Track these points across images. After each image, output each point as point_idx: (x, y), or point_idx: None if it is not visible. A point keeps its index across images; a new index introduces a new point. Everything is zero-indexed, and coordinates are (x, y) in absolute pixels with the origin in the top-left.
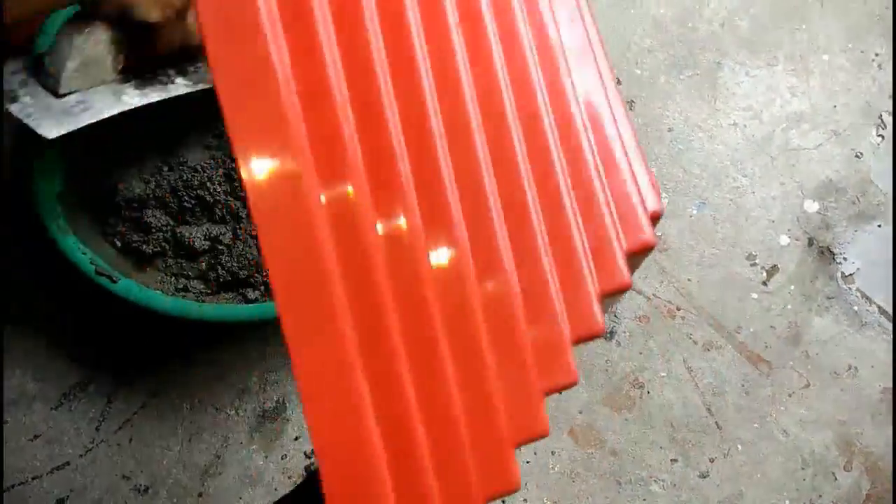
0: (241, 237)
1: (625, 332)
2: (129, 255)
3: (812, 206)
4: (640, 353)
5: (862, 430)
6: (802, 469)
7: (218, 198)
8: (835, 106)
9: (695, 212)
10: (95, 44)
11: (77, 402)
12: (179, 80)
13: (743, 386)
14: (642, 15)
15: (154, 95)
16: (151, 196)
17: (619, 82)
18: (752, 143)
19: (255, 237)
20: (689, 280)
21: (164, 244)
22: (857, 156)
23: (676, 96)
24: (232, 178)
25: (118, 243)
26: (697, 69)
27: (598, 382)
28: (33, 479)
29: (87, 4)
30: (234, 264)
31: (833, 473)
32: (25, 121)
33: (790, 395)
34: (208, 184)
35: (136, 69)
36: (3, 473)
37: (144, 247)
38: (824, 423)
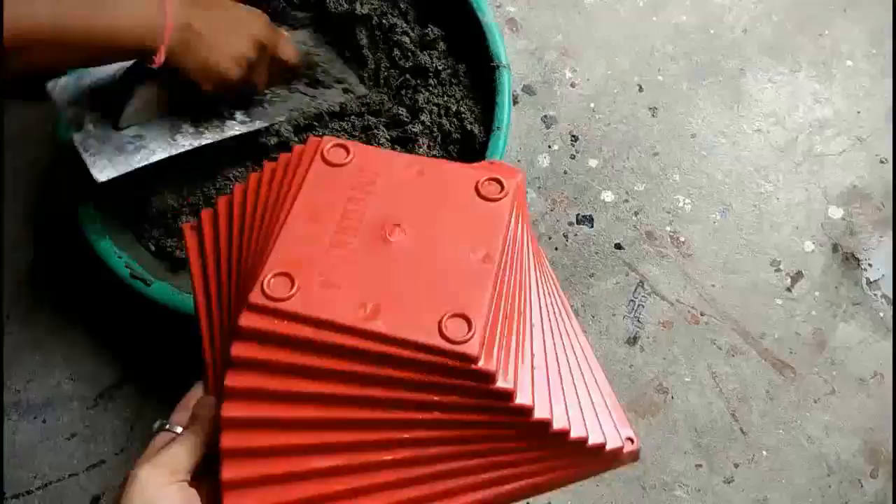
0: None
1: (648, 338)
2: (162, 259)
3: (836, 212)
4: (664, 359)
5: (888, 437)
6: (828, 476)
7: None
8: (858, 112)
9: (719, 217)
10: (153, 92)
11: (112, 403)
12: (238, 116)
13: (768, 392)
14: (664, 22)
15: (208, 136)
16: (185, 204)
17: (641, 89)
18: (776, 149)
19: None
20: (713, 285)
21: None
22: (881, 161)
23: (699, 102)
24: None
25: (152, 247)
26: (720, 75)
27: (622, 388)
28: (70, 476)
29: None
30: None
31: (859, 481)
32: (83, 155)
33: (815, 402)
34: None
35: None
36: (40, 472)
37: (178, 252)
38: (850, 430)
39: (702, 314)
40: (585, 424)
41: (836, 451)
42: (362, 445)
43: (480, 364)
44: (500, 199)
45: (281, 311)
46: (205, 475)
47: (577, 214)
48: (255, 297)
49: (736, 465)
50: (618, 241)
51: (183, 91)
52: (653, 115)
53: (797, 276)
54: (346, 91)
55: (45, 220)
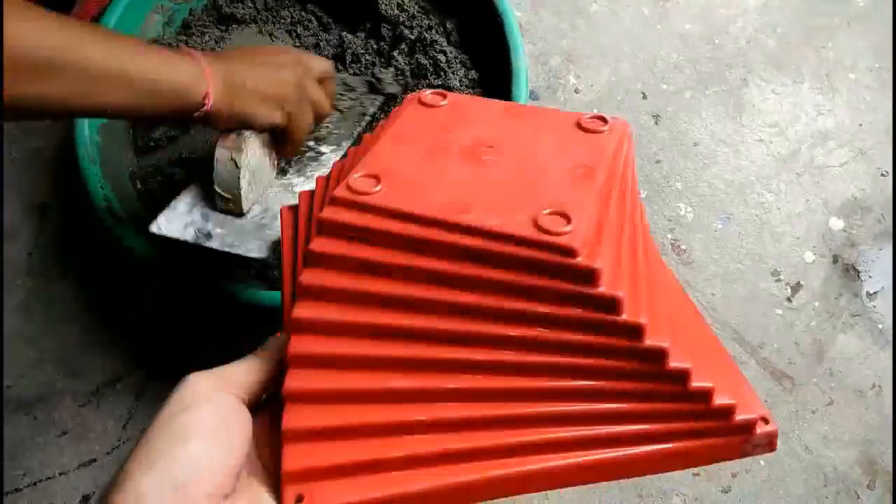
0: None
1: None
2: (146, 202)
3: (837, 224)
4: None
5: (885, 449)
6: (825, 487)
7: None
8: (860, 124)
9: (720, 226)
10: (254, 155)
11: (105, 400)
12: (324, 149)
13: (766, 401)
14: (669, 31)
15: (312, 172)
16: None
17: (644, 97)
18: (778, 159)
19: None
20: (713, 294)
21: None
22: (882, 174)
23: (702, 112)
24: None
25: (139, 185)
26: (723, 85)
27: None
28: (60, 474)
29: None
30: None
31: (856, 492)
32: (233, 251)
33: (813, 412)
34: None
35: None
36: (30, 469)
37: (159, 193)
38: (848, 441)
39: None
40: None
41: (833, 462)
42: (447, 365)
43: (581, 259)
44: (603, 132)
45: (365, 203)
46: (263, 411)
47: None
48: (340, 191)
49: (733, 475)
50: None
51: (272, 139)
52: (656, 123)
53: (797, 287)
54: (376, 91)
55: (43, 213)
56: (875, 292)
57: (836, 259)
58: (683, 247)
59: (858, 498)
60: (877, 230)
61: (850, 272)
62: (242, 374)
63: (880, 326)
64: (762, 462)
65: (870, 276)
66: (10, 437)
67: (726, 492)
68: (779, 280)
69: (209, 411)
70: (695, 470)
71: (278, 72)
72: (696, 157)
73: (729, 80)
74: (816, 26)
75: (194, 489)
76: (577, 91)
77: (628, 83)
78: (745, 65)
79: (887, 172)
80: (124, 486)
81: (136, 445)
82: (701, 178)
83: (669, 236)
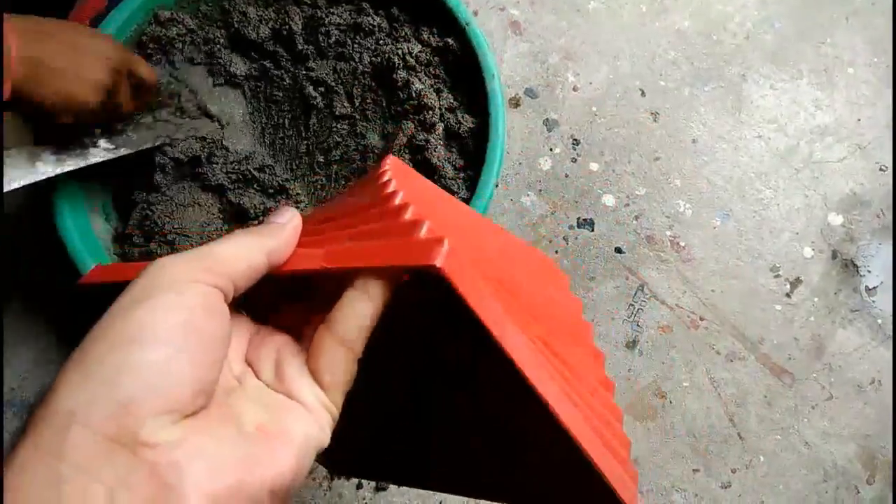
0: None
1: (647, 342)
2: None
3: (836, 219)
4: (663, 363)
5: (885, 443)
6: (825, 482)
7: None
8: (859, 119)
9: (719, 223)
10: (8, 124)
11: None
12: (102, 143)
13: (766, 397)
14: (667, 27)
15: (70, 164)
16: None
17: (643, 94)
18: (777, 155)
19: None
20: (712, 291)
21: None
22: (881, 169)
23: (701, 108)
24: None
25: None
26: (722, 81)
27: (621, 391)
28: None
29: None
30: None
31: (856, 486)
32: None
33: (813, 407)
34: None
35: (56, 135)
36: None
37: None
38: (847, 436)
39: (701, 319)
40: None
41: (833, 456)
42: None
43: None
44: None
45: None
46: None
47: (578, 218)
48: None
49: (733, 471)
50: (618, 245)
51: (42, 121)
52: (654, 120)
53: (796, 283)
54: (219, 123)
55: (41, 217)
56: (874, 287)
57: (835, 254)
58: (682, 243)
59: (858, 492)
60: (876, 225)
61: (850, 267)
62: (232, 257)
63: (879, 321)
64: (762, 458)
65: (869, 272)
66: (13, 441)
67: (726, 487)
68: (778, 276)
69: (175, 306)
70: (695, 466)
71: (95, 64)
72: (695, 153)
73: (727, 76)
74: (814, 22)
75: (142, 407)
76: (575, 89)
77: (626, 80)
78: (744, 61)
79: (886, 167)
80: (52, 401)
81: (75, 349)
82: (700, 175)
83: (668, 233)
